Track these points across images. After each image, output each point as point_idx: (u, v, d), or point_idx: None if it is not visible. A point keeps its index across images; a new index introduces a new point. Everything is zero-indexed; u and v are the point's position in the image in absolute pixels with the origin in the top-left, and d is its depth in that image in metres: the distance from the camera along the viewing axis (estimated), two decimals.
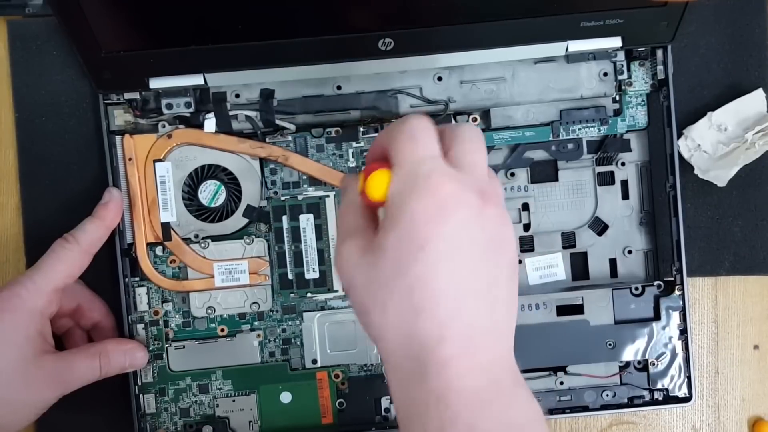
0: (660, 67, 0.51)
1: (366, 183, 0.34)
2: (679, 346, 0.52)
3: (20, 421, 0.46)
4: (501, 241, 0.35)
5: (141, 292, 0.52)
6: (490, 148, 0.52)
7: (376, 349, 0.36)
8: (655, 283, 0.52)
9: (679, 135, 0.52)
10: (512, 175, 0.53)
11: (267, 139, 0.51)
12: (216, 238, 0.52)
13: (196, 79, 0.49)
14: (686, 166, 0.52)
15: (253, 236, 0.52)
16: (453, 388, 0.32)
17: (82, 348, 0.49)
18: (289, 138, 0.51)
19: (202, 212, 0.52)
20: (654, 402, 0.52)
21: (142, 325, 0.52)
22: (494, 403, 0.33)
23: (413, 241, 0.33)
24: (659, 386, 0.52)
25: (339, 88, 0.51)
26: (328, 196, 0.52)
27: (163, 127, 0.51)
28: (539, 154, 0.53)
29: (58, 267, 0.47)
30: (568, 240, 0.53)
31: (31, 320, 0.46)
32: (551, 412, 0.52)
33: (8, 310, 0.45)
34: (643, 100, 0.52)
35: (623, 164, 0.53)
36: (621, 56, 0.51)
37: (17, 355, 0.45)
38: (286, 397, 0.52)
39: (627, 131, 0.52)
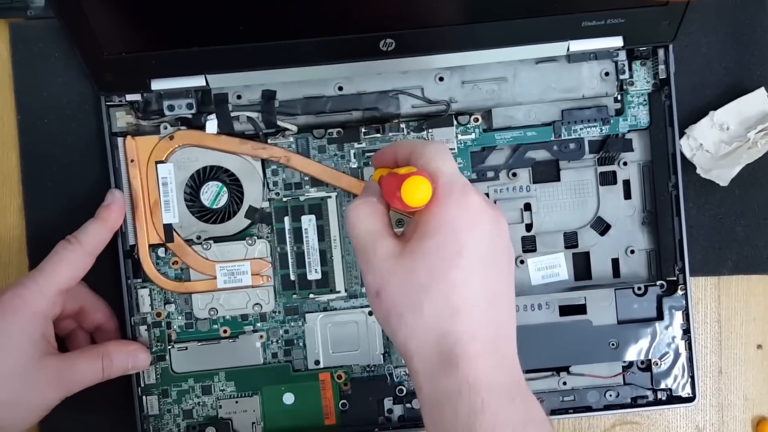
0: (661, 67, 0.51)
1: (403, 188, 0.36)
2: (682, 345, 0.52)
3: (23, 422, 0.46)
4: (510, 250, 0.39)
5: (143, 294, 0.52)
6: (491, 149, 0.52)
7: (400, 348, 0.38)
8: (658, 282, 0.52)
9: (681, 134, 0.52)
10: (514, 175, 0.53)
11: (269, 140, 0.51)
12: (218, 240, 0.52)
13: (198, 81, 0.49)
14: (688, 166, 0.52)
15: (255, 237, 0.52)
16: (484, 379, 0.35)
17: (85, 350, 0.49)
18: (291, 139, 0.51)
19: (204, 213, 0.52)
20: (657, 402, 0.52)
21: (145, 327, 0.52)
22: (516, 399, 0.36)
23: (452, 248, 0.36)
24: (663, 386, 0.52)
25: (340, 88, 0.51)
26: (330, 196, 0.52)
27: (165, 128, 0.51)
28: (541, 154, 0.53)
29: (61, 269, 0.47)
30: (571, 240, 0.53)
31: (35, 322, 0.46)
32: (554, 412, 0.52)
33: (11, 311, 0.45)
34: (644, 100, 0.52)
35: (625, 164, 0.52)
36: (622, 56, 0.51)
37: (20, 356, 0.45)
38: (288, 399, 0.52)
39: (629, 131, 0.52)
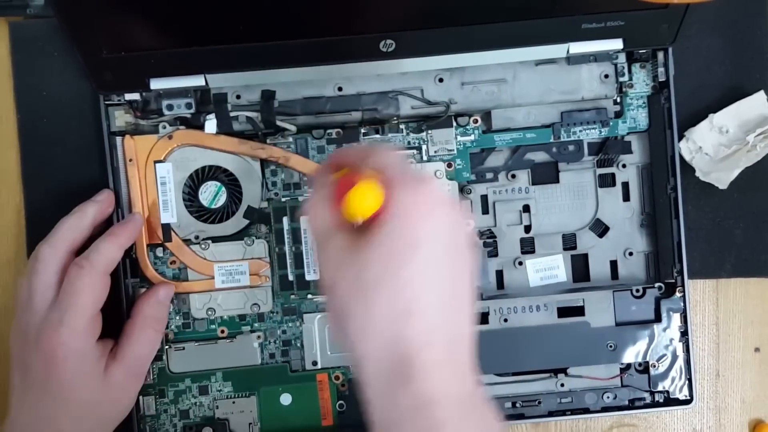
0: (661, 69, 0.51)
1: (349, 197, 0.34)
2: (680, 348, 0.52)
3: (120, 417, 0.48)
4: (468, 245, 0.35)
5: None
6: (491, 150, 0.52)
7: (352, 355, 0.35)
8: (656, 285, 0.52)
9: (681, 137, 0.52)
10: (513, 176, 0.53)
11: (268, 141, 0.51)
12: (216, 240, 0.52)
13: (197, 80, 0.49)
14: (687, 168, 0.52)
15: (254, 237, 0.52)
16: (441, 392, 0.32)
17: (128, 333, 0.48)
18: (290, 139, 0.51)
19: (202, 213, 0.52)
20: (655, 404, 0.52)
21: None
22: (475, 411, 0.33)
23: (407, 238, 0.33)
24: (660, 388, 0.52)
25: (340, 89, 0.51)
26: None
27: (164, 128, 0.51)
28: (540, 156, 0.53)
29: (84, 300, 0.45)
30: (569, 242, 0.53)
31: (83, 358, 0.45)
32: (552, 414, 0.52)
33: (61, 363, 0.44)
34: (644, 102, 0.52)
35: (624, 166, 0.52)
36: (622, 58, 0.51)
37: (88, 392, 0.45)
38: (286, 399, 0.52)
39: (628, 133, 0.52)
